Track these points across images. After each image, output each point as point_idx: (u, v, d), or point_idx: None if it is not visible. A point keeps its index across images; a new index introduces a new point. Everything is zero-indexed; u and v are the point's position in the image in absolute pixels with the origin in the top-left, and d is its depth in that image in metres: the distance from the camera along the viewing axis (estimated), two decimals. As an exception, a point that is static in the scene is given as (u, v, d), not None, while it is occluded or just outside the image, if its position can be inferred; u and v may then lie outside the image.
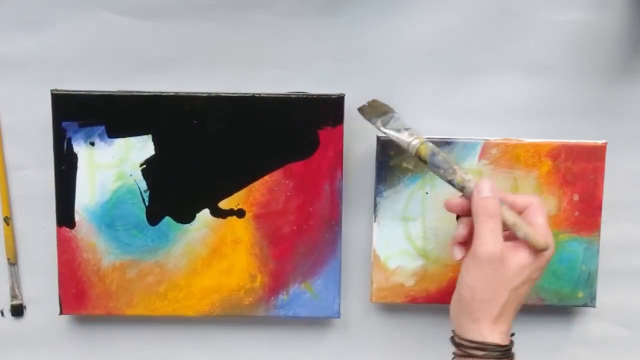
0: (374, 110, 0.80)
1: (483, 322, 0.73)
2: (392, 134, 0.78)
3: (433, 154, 0.76)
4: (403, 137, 0.78)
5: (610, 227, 0.87)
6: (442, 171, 0.76)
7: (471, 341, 0.73)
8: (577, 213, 0.85)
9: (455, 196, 0.77)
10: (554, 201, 0.85)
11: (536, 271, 0.74)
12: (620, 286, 0.89)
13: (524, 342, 0.89)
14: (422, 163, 0.77)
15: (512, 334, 0.75)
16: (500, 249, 0.72)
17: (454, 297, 0.75)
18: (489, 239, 0.72)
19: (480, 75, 0.85)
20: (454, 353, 0.75)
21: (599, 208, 0.85)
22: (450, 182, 0.76)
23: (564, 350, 0.90)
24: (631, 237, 0.88)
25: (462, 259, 0.75)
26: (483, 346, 0.72)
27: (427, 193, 0.85)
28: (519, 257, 0.73)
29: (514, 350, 0.75)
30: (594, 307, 0.87)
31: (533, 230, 0.73)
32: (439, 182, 0.84)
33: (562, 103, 0.86)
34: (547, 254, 0.74)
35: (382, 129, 0.79)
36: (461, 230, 0.76)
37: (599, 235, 0.85)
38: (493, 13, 0.84)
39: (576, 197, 0.85)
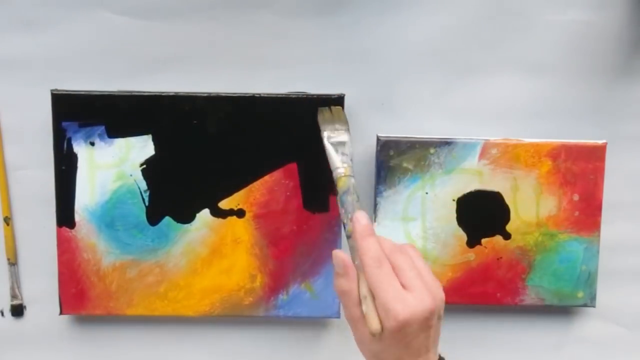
0: (333, 119, 0.79)
1: None
2: (329, 149, 0.77)
3: (345, 192, 0.74)
4: (335, 159, 0.76)
5: (610, 227, 0.87)
6: (342, 211, 0.73)
7: None
8: (577, 213, 0.85)
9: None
10: (554, 201, 0.85)
11: (396, 338, 0.68)
12: (620, 286, 0.89)
13: (524, 342, 0.90)
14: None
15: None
16: (350, 315, 0.70)
17: None
18: (346, 307, 0.70)
19: (480, 75, 0.85)
20: None
21: (599, 208, 0.85)
22: (343, 225, 0.73)
23: (564, 350, 0.90)
24: (631, 237, 0.88)
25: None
26: None
27: (427, 193, 0.85)
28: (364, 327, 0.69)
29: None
30: (594, 307, 0.87)
31: (373, 311, 0.68)
32: (439, 182, 0.84)
33: (562, 103, 0.86)
34: (387, 331, 0.67)
35: (324, 140, 0.78)
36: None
37: (599, 235, 0.86)
38: (493, 13, 0.84)
39: (576, 197, 0.85)
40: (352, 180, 0.75)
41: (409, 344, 0.68)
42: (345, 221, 0.73)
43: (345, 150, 0.77)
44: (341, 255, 0.71)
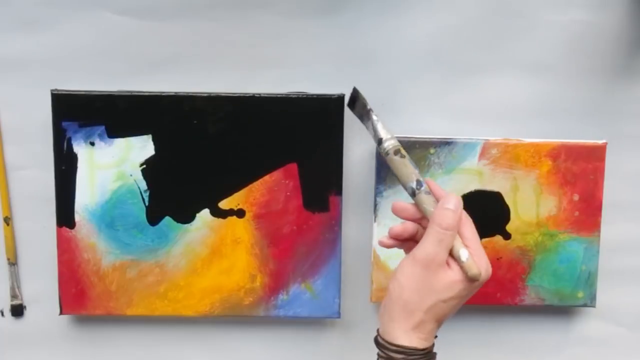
0: (361, 106, 0.77)
1: (400, 324, 0.72)
2: (379, 125, 0.76)
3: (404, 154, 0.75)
4: (385, 133, 0.76)
5: (610, 227, 0.87)
6: (412, 170, 0.74)
7: (391, 343, 0.72)
8: (577, 213, 0.85)
9: (404, 202, 0.75)
10: (554, 201, 0.85)
11: (466, 290, 0.72)
12: (620, 286, 0.89)
13: (524, 342, 0.90)
14: (397, 156, 0.75)
15: (436, 337, 0.74)
16: (440, 259, 0.71)
17: (385, 298, 0.74)
18: (433, 246, 0.71)
19: (480, 75, 0.85)
20: (377, 354, 0.73)
21: (599, 208, 0.85)
22: (418, 182, 0.74)
23: (564, 350, 0.90)
24: (631, 237, 0.88)
25: (391, 246, 0.75)
26: (402, 349, 0.71)
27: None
28: (453, 274, 0.71)
29: (435, 350, 0.73)
30: (594, 307, 0.87)
31: (471, 260, 0.72)
32: (439, 182, 0.84)
33: (562, 103, 0.86)
34: (481, 279, 0.72)
35: (373, 117, 0.76)
36: (399, 230, 0.74)
37: (599, 235, 0.86)
38: (493, 13, 0.84)
39: (576, 197, 0.85)
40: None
41: (463, 300, 0.73)
42: (417, 179, 0.74)
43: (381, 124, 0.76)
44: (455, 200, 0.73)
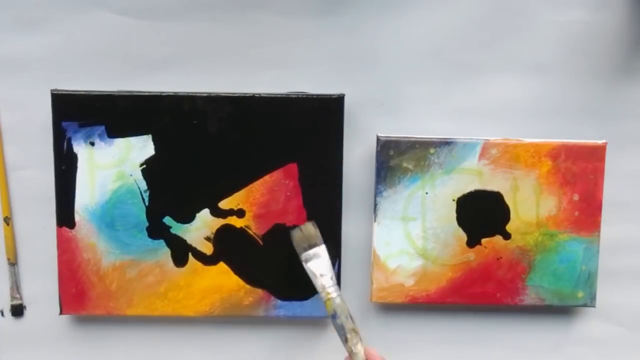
0: (303, 238, 0.82)
1: None
2: (309, 270, 0.81)
3: (332, 316, 0.80)
4: (315, 283, 0.81)
5: (610, 227, 0.87)
6: (338, 331, 0.80)
7: None
8: (577, 213, 0.85)
9: None
10: (554, 201, 0.85)
11: None
12: (620, 286, 0.89)
13: (524, 342, 0.90)
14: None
15: None
16: None
17: None
18: None
19: (480, 75, 0.85)
20: None
21: (599, 208, 0.85)
22: (344, 344, 0.80)
23: (564, 350, 0.90)
24: (631, 237, 0.88)
25: None
26: None
27: (427, 193, 0.85)
28: None
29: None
30: (594, 307, 0.87)
31: None
32: (439, 182, 0.84)
33: (562, 103, 0.86)
34: None
35: (303, 265, 0.81)
36: None
37: (599, 235, 0.86)
38: (493, 13, 0.84)
39: (576, 197, 0.85)
40: (338, 300, 0.80)
41: None
42: (343, 341, 0.80)
43: (322, 270, 0.81)
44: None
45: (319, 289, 0.81)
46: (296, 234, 0.82)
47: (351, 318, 0.80)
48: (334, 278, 0.81)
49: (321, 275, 0.81)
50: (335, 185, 0.84)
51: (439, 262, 0.86)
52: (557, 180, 0.85)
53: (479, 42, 0.84)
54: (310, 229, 0.82)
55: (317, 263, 0.81)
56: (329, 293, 0.80)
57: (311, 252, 0.82)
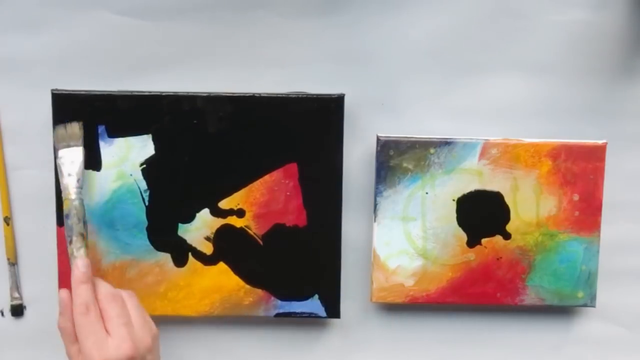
0: (66, 136, 0.81)
1: None
2: (59, 167, 0.80)
3: (67, 215, 0.79)
4: (61, 182, 0.80)
5: (610, 227, 0.87)
6: (67, 232, 0.79)
7: None
8: (577, 213, 0.85)
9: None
10: (554, 201, 0.85)
11: None
12: (620, 286, 0.89)
13: (524, 342, 0.90)
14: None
15: None
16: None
17: None
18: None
19: (480, 75, 0.85)
20: None
21: (599, 208, 0.85)
22: (67, 246, 0.78)
23: (564, 350, 0.90)
24: (631, 237, 0.88)
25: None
26: None
27: (427, 193, 0.85)
28: None
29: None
30: (594, 307, 0.87)
31: (77, 355, 0.75)
32: (439, 182, 0.84)
33: (562, 103, 0.86)
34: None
35: (55, 161, 0.81)
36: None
37: (599, 235, 0.86)
38: (493, 13, 0.84)
39: (576, 197, 0.85)
40: (76, 202, 0.79)
41: None
42: (67, 244, 0.78)
43: (71, 171, 0.80)
44: (62, 294, 0.77)
45: (62, 188, 0.80)
46: (59, 130, 0.81)
47: (84, 224, 0.79)
48: (81, 182, 0.80)
49: (69, 175, 0.79)
50: (335, 185, 0.84)
51: (439, 262, 0.86)
52: (557, 180, 0.85)
53: (478, 42, 0.84)
54: (75, 128, 0.81)
55: (70, 163, 0.80)
56: (69, 194, 0.79)
57: (68, 150, 0.80)
